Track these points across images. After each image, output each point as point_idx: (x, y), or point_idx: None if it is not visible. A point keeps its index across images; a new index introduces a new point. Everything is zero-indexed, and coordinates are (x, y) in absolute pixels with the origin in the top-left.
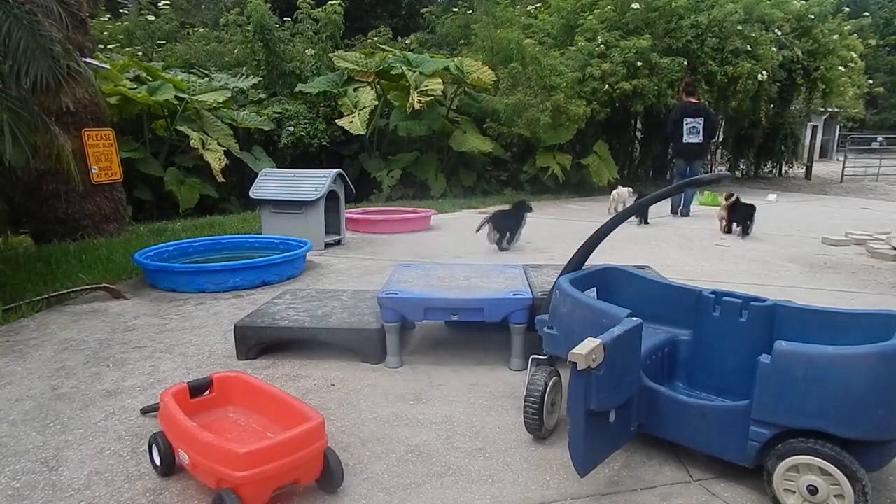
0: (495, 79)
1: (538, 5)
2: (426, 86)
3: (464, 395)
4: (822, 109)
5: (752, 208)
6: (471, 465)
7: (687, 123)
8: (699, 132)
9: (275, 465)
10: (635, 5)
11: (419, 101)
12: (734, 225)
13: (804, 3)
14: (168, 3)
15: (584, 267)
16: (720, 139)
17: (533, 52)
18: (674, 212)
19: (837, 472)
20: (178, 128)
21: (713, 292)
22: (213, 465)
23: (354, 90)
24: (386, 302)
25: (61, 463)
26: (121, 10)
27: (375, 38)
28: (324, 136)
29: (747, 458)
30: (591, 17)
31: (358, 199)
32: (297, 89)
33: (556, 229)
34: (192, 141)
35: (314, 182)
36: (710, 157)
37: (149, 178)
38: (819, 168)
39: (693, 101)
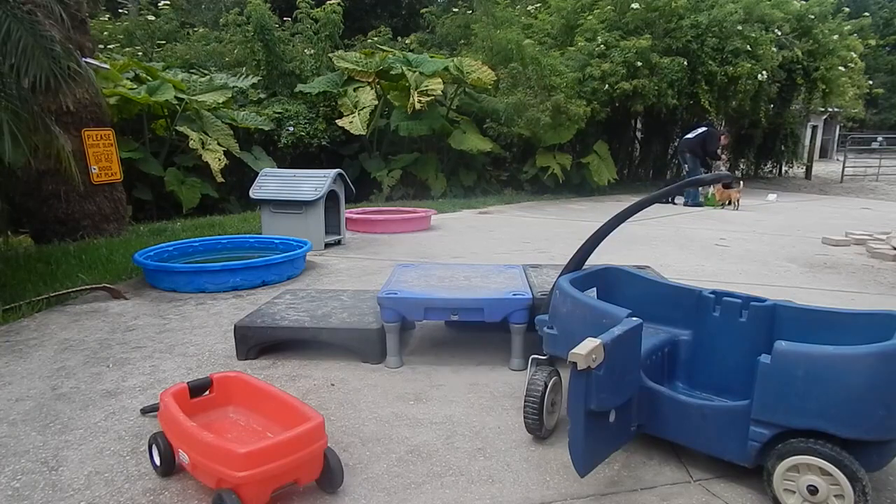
0: (495, 79)
1: (538, 5)
2: (426, 86)
3: (464, 395)
4: (822, 109)
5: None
6: (471, 465)
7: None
8: (695, 132)
9: (275, 465)
10: (635, 5)
11: (419, 101)
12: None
13: (804, 3)
14: (168, 3)
15: (584, 267)
16: None
17: (533, 52)
18: (684, 203)
19: (837, 472)
20: (178, 128)
21: (713, 292)
22: (213, 465)
23: (354, 90)
24: (386, 302)
25: (61, 463)
26: (121, 10)
27: (375, 38)
28: (324, 136)
29: (747, 458)
30: (590, 17)
31: (358, 199)
32: (297, 89)
33: (556, 229)
34: (192, 141)
35: (314, 182)
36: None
37: (149, 178)
38: (819, 168)
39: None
